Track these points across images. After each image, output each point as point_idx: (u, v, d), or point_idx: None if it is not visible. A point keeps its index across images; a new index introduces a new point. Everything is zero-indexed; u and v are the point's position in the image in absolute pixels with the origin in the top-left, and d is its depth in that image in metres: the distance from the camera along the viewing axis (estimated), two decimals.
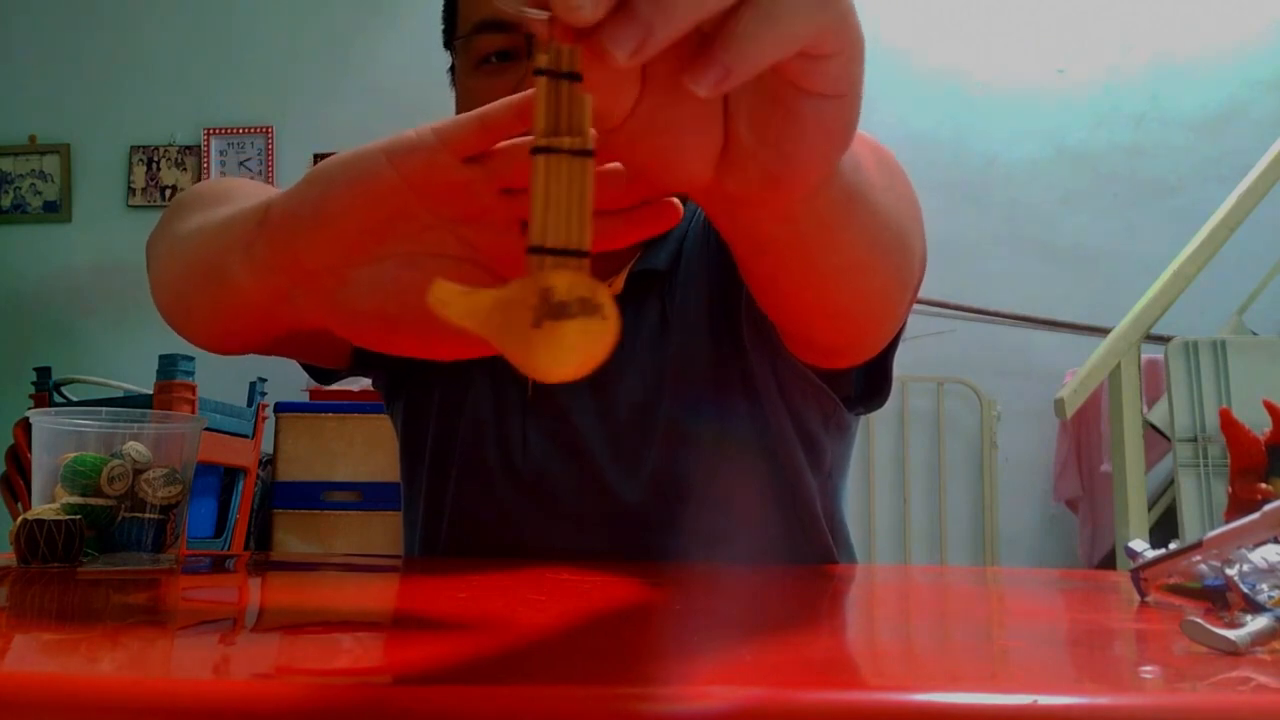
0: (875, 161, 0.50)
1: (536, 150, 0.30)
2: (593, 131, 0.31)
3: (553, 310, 0.29)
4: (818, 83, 0.34)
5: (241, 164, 3.48)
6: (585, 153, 0.30)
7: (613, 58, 0.29)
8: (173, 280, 0.62)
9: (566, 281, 0.29)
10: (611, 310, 0.29)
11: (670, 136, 0.35)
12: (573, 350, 0.29)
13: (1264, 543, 0.45)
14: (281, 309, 0.48)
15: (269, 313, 0.50)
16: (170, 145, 3.50)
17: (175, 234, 0.62)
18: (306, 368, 0.89)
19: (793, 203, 0.42)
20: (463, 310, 0.29)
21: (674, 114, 0.34)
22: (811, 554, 0.83)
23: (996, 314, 3.28)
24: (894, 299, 0.59)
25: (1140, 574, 0.52)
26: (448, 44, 0.85)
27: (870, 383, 0.80)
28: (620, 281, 0.83)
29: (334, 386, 2.71)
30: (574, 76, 0.30)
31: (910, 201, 0.56)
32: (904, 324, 0.70)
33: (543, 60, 0.30)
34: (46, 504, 0.66)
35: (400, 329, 0.44)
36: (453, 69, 0.85)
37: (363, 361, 0.87)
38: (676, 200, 0.42)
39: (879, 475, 3.25)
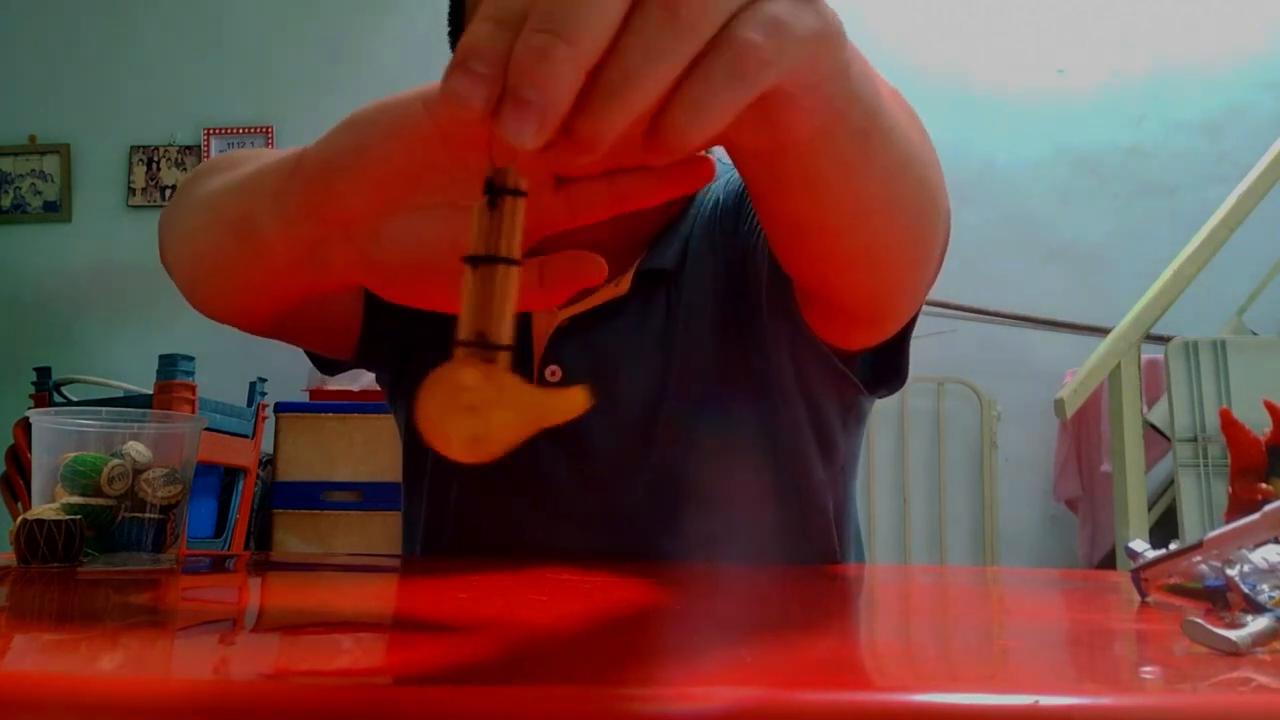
0: (893, 98, 0.50)
1: (469, 260, 0.33)
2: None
3: (461, 399, 0.31)
4: (793, 86, 0.36)
5: None
6: (513, 262, 0.33)
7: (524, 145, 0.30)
8: (193, 245, 0.61)
9: (477, 375, 0.31)
10: (519, 400, 0.32)
11: None
12: (474, 439, 0.31)
13: (1264, 543, 0.45)
14: (310, 265, 0.48)
15: (295, 269, 0.50)
16: (170, 145, 3.50)
17: (196, 198, 0.61)
18: (311, 357, 0.89)
19: (810, 146, 0.43)
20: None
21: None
22: (813, 554, 0.83)
23: (996, 314, 3.28)
24: (916, 252, 0.58)
25: (1140, 574, 0.52)
26: (454, 46, 0.85)
27: (887, 368, 0.80)
28: (627, 280, 0.83)
29: (334, 386, 2.72)
30: (517, 193, 0.33)
31: (931, 150, 0.56)
32: (924, 298, 0.69)
33: (491, 177, 0.33)
34: (46, 504, 0.66)
35: (429, 280, 0.44)
36: None
37: (366, 354, 0.87)
38: (710, 155, 0.42)
39: (879, 475, 3.25)
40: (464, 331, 0.32)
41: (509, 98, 0.30)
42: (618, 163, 0.42)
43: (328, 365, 0.89)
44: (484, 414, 0.31)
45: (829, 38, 0.36)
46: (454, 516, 0.86)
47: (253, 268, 0.54)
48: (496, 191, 0.33)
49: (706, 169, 0.42)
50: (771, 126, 0.37)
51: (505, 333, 0.32)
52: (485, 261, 0.32)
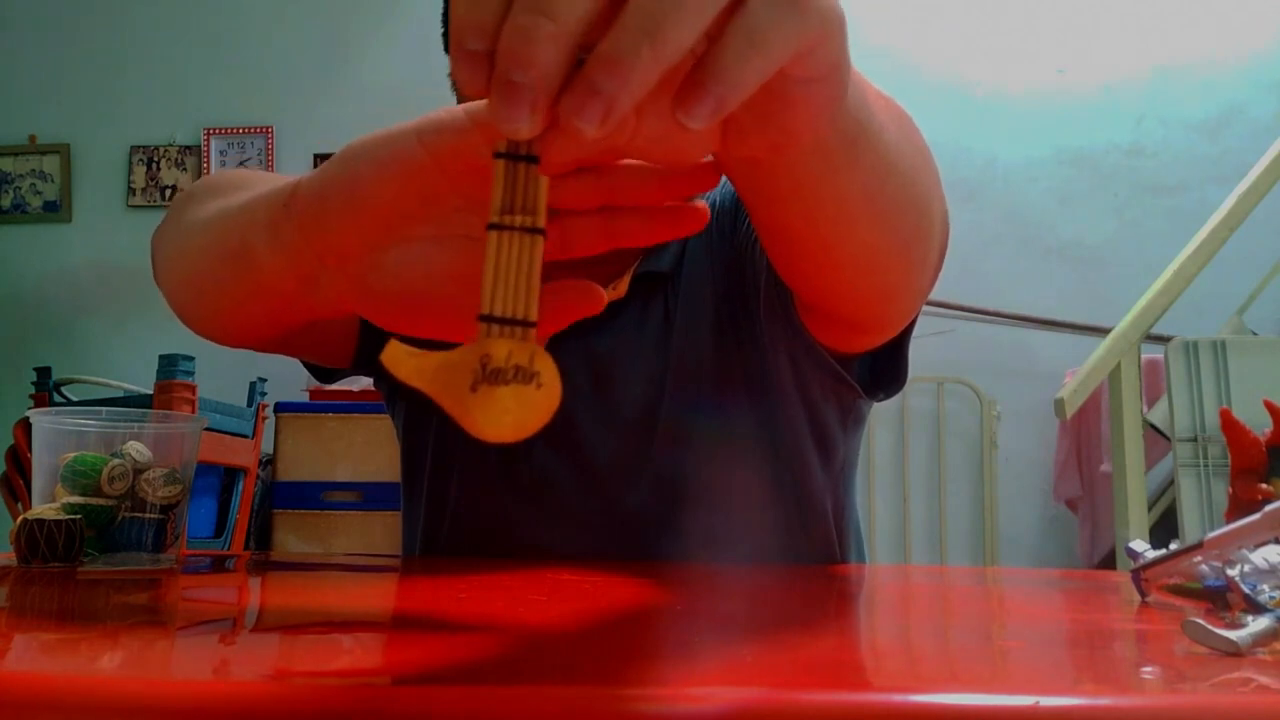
0: (885, 107, 0.50)
1: (490, 226, 0.32)
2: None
3: (489, 375, 0.31)
4: (805, 70, 0.35)
5: (241, 164, 3.48)
6: (536, 231, 0.32)
7: (583, 133, 0.30)
8: (187, 268, 0.61)
9: (505, 350, 0.31)
10: (550, 378, 0.32)
11: (674, 140, 0.37)
12: (506, 413, 0.31)
13: (1265, 543, 0.45)
14: (305, 294, 0.48)
15: (291, 299, 0.50)
16: (170, 145, 3.50)
17: (190, 221, 0.61)
18: (308, 366, 0.89)
19: (800, 154, 0.43)
20: (410, 369, 0.32)
21: (673, 125, 0.35)
22: (813, 554, 0.83)
23: (996, 314, 3.28)
24: (909, 258, 0.58)
25: (1141, 574, 0.52)
26: (449, 48, 0.85)
27: (885, 371, 0.80)
28: (624, 284, 0.83)
29: (334, 386, 2.71)
30: (531, 159, 0.32)
31: (925, 156, 0.55)
32: (921, 303, 0.69)
33: (501, 145, 0.33)
34: (46, 504, 0.66)
35: (425, 311, 0.44)
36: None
37: (365, 361, 0.87)
38: (702, 203, 0.42)
39: (879, 475, 3.25)
40: (503, 307, 0.31)
41: (496, 84, 0.29)
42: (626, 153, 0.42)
43: (325, 374, 0.90)
44: (519, 391, 0.31)
45: (838, 19, 0.36)
46: (453, 516, 0.86)
47: (247, 295, 0.53)
48: (518, 157, 0.32)
49: (699, 216, 0.42)
50: (768, 128, 0.37)
51: (535, 310, 0.31)
52: (530, 231, 0.31)
